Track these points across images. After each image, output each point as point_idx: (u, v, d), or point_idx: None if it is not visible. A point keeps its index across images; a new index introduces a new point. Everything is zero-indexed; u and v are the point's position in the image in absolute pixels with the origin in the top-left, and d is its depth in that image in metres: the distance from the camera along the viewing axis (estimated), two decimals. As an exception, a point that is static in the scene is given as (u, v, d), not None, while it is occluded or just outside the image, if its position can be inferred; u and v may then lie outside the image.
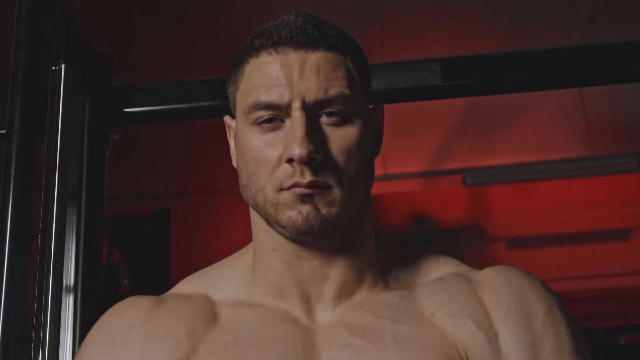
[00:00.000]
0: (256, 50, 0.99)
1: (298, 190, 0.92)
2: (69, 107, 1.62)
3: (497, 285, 0.98)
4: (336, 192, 0.94)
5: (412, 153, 4.44)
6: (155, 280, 4.46)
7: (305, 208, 0.93)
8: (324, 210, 0.93)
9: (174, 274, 4.53)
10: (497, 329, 0.95)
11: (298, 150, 0.91)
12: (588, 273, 5.25)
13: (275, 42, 0.97)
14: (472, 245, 5.13)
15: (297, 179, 0.93)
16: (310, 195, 0.93)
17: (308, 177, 0.92)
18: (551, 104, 4.19)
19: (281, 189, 0.94)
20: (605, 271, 5.27)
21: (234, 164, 1.05)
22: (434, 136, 4.36)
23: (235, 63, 1.02)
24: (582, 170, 4.43)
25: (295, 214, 0.93)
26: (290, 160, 0.93)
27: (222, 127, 1.11)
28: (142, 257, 4.20)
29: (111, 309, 1.04)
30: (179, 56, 4.17)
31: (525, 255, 5.26)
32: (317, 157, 0.93)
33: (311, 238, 0.96)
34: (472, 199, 5.10)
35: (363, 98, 1.00)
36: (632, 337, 5.85)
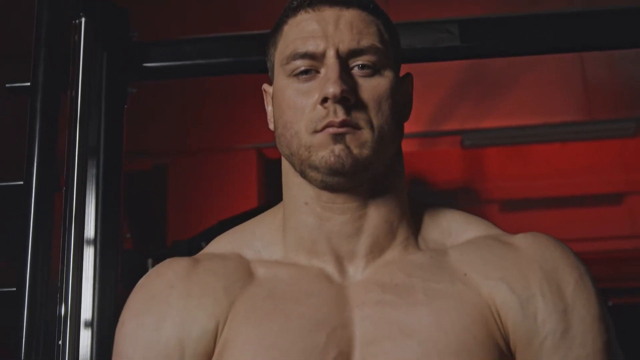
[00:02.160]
0: (294, 11, 1.05)
1: (331, 130, 0.96)
2: (88, 62, 1.62)
3: (531, 252, 1.01)
4: (367, 134, 0.97)
5: (411, 114, 4.45)
6: (153, 235, 4.49)
7: (338, 147, 0.96)
8: (355, 151, 0.96)
9: (170, 229, 4.55)
10: (531, 294, 0.97)
11: (332, 88, 0.96)
12: (579, 236, 5.30)
13: (312, 1, 1.03)
14: (464, 207, 5.18)
15: (330, 118, 0.96)
16: (342, 135, 0.96)
17: (341, 115, 0.96)
18: (551, 67, 4.20)
19: (315, 131, 0.97)
20: (596, 235, 5.33)
21: (271, 127, 1.08)
22: (433, 97, 4.37)
23: (275, 27, 1.08)
24: (579, 134, 4.46)
25: (327, 153, 0.96)
26: (324, 101, 0.97)
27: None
28: (141, 213, 4.21)
29: (150, 271, 1.06)
30: (198, 13, 4.14)
31: (518, 218, 5.31)
32: (349, 98, 0.97)
33: (343, 180, 0.98)
34: (468, 160, 5.12)
35: (392, 57, 1.04)
36: (620, 299, 5.93)
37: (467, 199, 5.24)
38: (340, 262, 1.02)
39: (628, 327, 5.65)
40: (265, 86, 1.13)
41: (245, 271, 1.03)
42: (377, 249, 1.02)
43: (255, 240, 1.07)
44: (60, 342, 1.49)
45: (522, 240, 1.03)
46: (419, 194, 5.31)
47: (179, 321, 0.98)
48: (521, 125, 4.39)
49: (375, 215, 1.02)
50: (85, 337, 1.55)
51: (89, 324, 1.55)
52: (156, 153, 4.72)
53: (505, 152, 5.00)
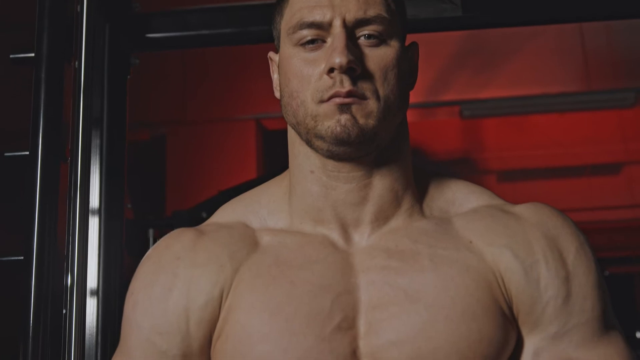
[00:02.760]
0: None
1: (337, 100, 0.96)
2: (91, 33, 1.62)
3: (534, 221, 1.03)
4: (373, 105, 0.98)
5: (410, 84, 4.44)
6: (153, 205, 4.50)
7: (344, 117, 0.96)
8: (361, 121, 0.97)
9: (169, 200, 4.57)
10: (534, 261, 0.99)
11: (338, 59, 0.96)
12: (577, 206, 5.33)
13: None
14: (463, 177, 5.19)
15: (336, 88, 0.97)
16: (348, 105, 0.96)
17: (347, 86, 0.96)
18: (550, 38, 4.20)
19: (321, 101, 0.98)
20: (594, 204, 5.36)
21: (276, 95, 1.08)
22: (433, 68, 4.37)
23: None
24: (578, 104, 4.47)
25: (333, 123, 0.97)
26: (330, 71, 0.97)
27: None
28: (140, 182, 4.23)
29: (159, 242, 1.08)
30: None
31: (516, 188, 5.34)
32: (356, 68, 0.97)
33: (348, 150, 0.99)
34: (467, 131, 5.14)
35: (399, 26, 1.04)
36: (616, 268, 5.99)
37: (465, 169, 5.27)
38: (345, 229, 1.03)
39: (624, 296, 5.71)
40: (271, 54, 1.13)
41: (250, 239, 1.05)
42: (382, 217, 1.03)
43: (260, 208, 1.09)
44: (66, 311, 1.51)
45: (524, 209, 1.05)
46: (419, 164, 5.32)
47: (185, 291, 1.01)
48: (520, 95, 4.40)
49: (381, 183, 1.03)
50: (91, 306, 1.57)
51: (94, 293, 1.57)
52: (155, 123, 4.72)
53: (504, 123, 5.02)
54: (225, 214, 1.10)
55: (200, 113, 4.69)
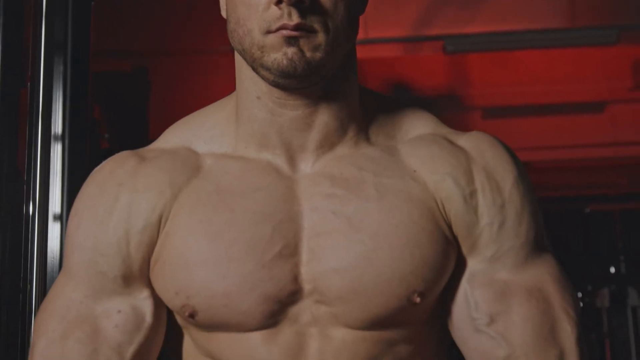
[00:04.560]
0: None
1: (285, 32, 0.94)
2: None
3: (476, 152, 1.04)
4: (321, 38, 0.96)
5: (395, 17, 4.40)
6: (134, 136, 4.49)
7: (291, 50, 0.95)
8: (308, 54, 0.95)
9: (152, 131, 4.55)
10: (474, 190, 1.02)
11: None
12: (561, 143, 5.35)
13: None
14: (448, 114, 5.18)
15: (284, 20, 0.94)
16: (296, 38, 0.95)
17: (295, 19, 0.94)
18: (536, -28, 4.15)
19: (268, 32, 0.95)
20: (577, 142, 5.37)
21: (223, 14, 1.06)
22: (417, 2, 4.32)
23: None
24: (562, 40, 4.44)
25: (280, 55, 0.95)
26: (278, 2, 0.95)
27: None
28: (121, 114, 4.20)
29: (102, 165, 1.08)
30: None
31: (499, 125, 5.34)
32: (304, 0, 0.95)
33: (295, 82, 0.98)
34: (451, 67, 5.11)
35: None
36: (597, 206, 6.04)
37: (450, 105, 5.26)
38: (290, 155, 1.03)
39: (603, 234, 5.77)
40: None
41: (192, 164, 1.04)
42: (327, 144, 1.03)
43: (204, 131, 1.08)
44: (28, 237, 1.52)
45: (467, 140, 1.06)
46: (402, 100, 5.30)
47: (126, 215, 1.01)
48: (504, 31, 4.36)
49: (327, 111, 1.03)
50: (55, 231, 1.58)
51: (57, 218, 1.58)
52: (136, 54, 4.67)
53: (488, 59, 4.99)
54: (170, 138, 1.10)
55: (185, 44, 4.65)
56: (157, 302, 1.03)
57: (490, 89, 5.19)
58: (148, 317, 1.02)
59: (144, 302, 1.02)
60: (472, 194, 1.02)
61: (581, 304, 4.98)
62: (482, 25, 4.35)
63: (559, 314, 1.00)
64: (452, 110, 5.21)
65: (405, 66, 5.03)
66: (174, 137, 1.09)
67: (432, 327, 1.05)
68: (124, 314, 1.01)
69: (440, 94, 5.25)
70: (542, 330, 0.99)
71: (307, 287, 0.98)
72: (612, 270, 5.52)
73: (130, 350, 1.00)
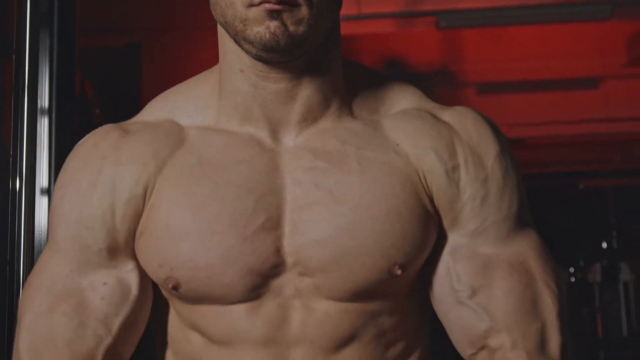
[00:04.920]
0: None
1: (267, 5, 0.93)
2: None
3: (459, 127, 1.05)
4: (304, 11, 0.95)
5: (388, -7, 4.38)
6: (126, 112, 4.47)
7: (273, 24, 0.94)
8: (291, 28, 0.94)
9: (144, 107, 4.52)
10: (456, 164, 1.02)
11: None
12: (555, 119, 5.35)
13: None
14: (442, 90, 5.18)
15: None
16: (279, 11, 0.93)
17: None
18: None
19: (251, 5, 0.94)
20: (571, 118, 5.37)
21: None
22: (410, -24, 4.29)
23: None
24: (556, 16, 4.42)
25: (263, 29, 0.94)
26: None
27: None
28: (113, 90, 4.19)
29: (86, 138, 1.07)
30: None
31: (494, 101, 5.33)
32: None
33: (278, 56, 0.97)
34: (445, 42, 5.09)
35: None
36: (590, 182, 6.06)
37: (443, 81, 5.25)
38: (273, 128, 1.03)
39: (596, 209, 5.78)
40: None
41: (176, 136, 1.04)
42: (310, 117, 1.03)
43: (187, 104, 1.07)
44: (14, 212, 1.52)
45: (451, 115, 1.06)
46: (395, 76, 5.29)
47: (110, 187, 1.01)
48: (497, 6, 4.34)
49: (310, 84, 1.02)
50: (42, 205, 1.58)
51: (45, 192, 1.57)
52: (130, 30, 4.65)
53: (481, 34, 4.97)
54: (153, 110, 1.09)
55: (179, 20, 4.62)
56: (143, 274, 1.03)
57: (484, 65, 5.18)
58: (134, 289, 1.02)
59: (129, 274, 1.02)
60: (455, 168, 1.02)
61: (573, 279, 5.01)
62: (475, 1, 4.33)
63: (540, 287, 1.00)
64: (446, 86, 5.20)
65: (398, 42, 5.01)
66: (157, 110, 1.08)
67: (414, 300, 1.06)
68: (110, 286, 1.01)
69: (434, 70, 5.23)
70: (524, 304, 0.99)
71: (289, 259, 0.98)
72: (604, 245, 5.54)
73: (117, 321, 1.01)
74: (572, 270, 5.04)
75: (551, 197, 5.69)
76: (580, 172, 5.98)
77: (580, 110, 5.38)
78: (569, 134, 5.51)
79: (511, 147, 1.08)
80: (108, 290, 1.01)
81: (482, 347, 1.00)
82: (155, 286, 1.05)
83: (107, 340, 1.01)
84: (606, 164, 5.98)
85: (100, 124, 1.08)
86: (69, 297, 1.01)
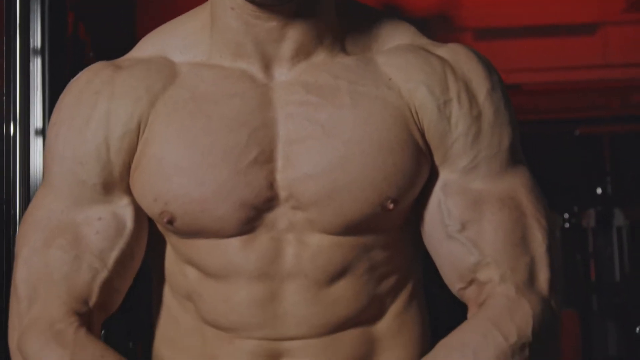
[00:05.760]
0: None
1: None
2: None
3: (453, 62, 1.04)
4: None
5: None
6: (120, 55, 4.44)
7: None
8: None
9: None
10: (448, 99, 1.02)
11: None
12: (552, 65, 5.33)
13: None
14: (439, 35, 5.14)
15: None
16: None
17: None
18: None
19: None
20: (568, 64, 5.36)
21: None
22: None
23: None
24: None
25: None
26: None
27: None
28: (107, 32, 4.15)
29: (79, 75, 1.07)
30: None
31: (491, 46, 5.30)
32: None
33: (269, 1, 0.97)
34: (442, -14, 5.05)
35: None
36: (586, 129, 6.05)
37: (441, 26, 5.21)
38: (265, 64, 1.02)
39: (592, 156, 5.79)
40: None
41: (169, 72, 1.04)
42: (302, 53, 1.03)
43: (179, 40, 1.07)
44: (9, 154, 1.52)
45: (445, 51, 1.06)
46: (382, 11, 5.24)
47: (104, 122, 1.02)
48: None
49: (301, 24, 1.01)
50: (37, 146, 1.58)
51: (39, 132, 1.58)
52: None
53: (479, -22, 4.93)
54: (145, 47, 1.08)
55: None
56: (138, 209, 1.04)
57: (482, 10, 5.15)
58: (129, 224, 1.03)
59: (124, 209, 1.03)
60: (447, 103, 1.02)
61: (567, 225, 5.04)
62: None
63: (531, 222, 1.01)
64: (444, 31, 5.16)
65: (395, -14, 4.96)
66: (149, 47, 1.08)
67: (406, 234, 1.07)
68: (105, 221, 1.02)
69: (431, 15, 5.20)
70: (513, 238, 1.00)
71: (282, 193, 0.99)
72: (599, 191, 5.56)
73: (113, 255, 1.02)
74: (566, 216, 5.06)
75: (547, 144, 5.69)
76: (576, 119, 5.96)
77: (578, 57, 5.36)
78: (565, 80, 5.49)
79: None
80: (103, 225, 1.02)
81: (471, 281, 1.01)
82: (151, 221, 1.06)
83: (103, 274, 1.02)
84: (603, 111, 5.97)
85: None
86: (64, 232, 1.02)
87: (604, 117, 5.96)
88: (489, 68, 1.06)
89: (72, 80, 1.07)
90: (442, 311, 1.41)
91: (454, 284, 1.03)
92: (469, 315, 1.01)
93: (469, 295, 1.01)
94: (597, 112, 6.01)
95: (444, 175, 1.03)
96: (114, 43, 4.20)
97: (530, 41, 5.34)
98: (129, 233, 1.03)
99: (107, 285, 1.02)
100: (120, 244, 1.03)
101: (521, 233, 1.00)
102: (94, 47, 3.40)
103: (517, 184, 1.03)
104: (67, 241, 1.01)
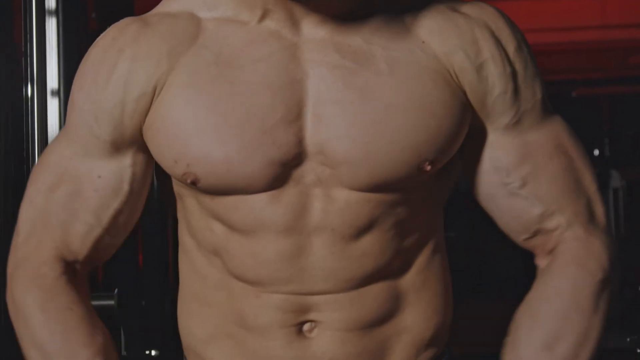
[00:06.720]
0: None
1: None
2: None
3: (481, 21, 1.06)
4: None
5: None
6: (121, 16, 4.39)
7: None
8: None
9: (137, 11, 4.46)
10: (484, 60, 1.04)
11: None
12: (551, 26, 5.32)
13: None
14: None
15: None
16: None
17: None
18: None
19: None
20: (565, 25, 5.34)
21: None
22: None
23: None
24: None
25: None
26: None
27: None
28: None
29: (107, 31, 1.08)
30: None
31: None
32: None
33: None
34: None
35: None
36: (583, 90, 6.06)
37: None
38: (293, 20, 1.03)
39: (589, 117, 5.79)
40: None
41: (194, 30, 1.05)
42: (331, 6, 1.02)
43: None
44: (28, 116, 1.54)
45: (471, 9, 1.07)
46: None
47: (122, 83, 1.03)
48: None
49: None
50: (53, 106, 1.60)
51: (55, 93, 1.59)
52: None
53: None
54: (172, 2, 1.08)
55: None
56: (140, 171, 1.07)
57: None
58: (125, 185, 1.07)
59: (125, 170, 1.06)
60: (483, 64, 1.04)
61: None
62: None
63: (579, 165, 1.07)
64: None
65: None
66: (176, 2, 1.08)
67: (431, 189, 1.09)
68: (104, 180, 1.06)
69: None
70: (569, 183, 1.06)
71: (311, 149, 1.00)
72: (596, 152, 5.59)
73: (108, 214, 1.06)
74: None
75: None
76: (574, 80, 5.97)
77: (576, 18, 5.34)
78: (563, 41, 5.48)
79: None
80: (102, 183, 1.06)
81: (537, 231, 1.07)
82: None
83: (97, 231, 1.07)
84: (600, 72, 5.98)
85: (98, 30, 1.09)
86: (68, 181, 1.06)
87: (602, 78, 5.97)
88: (513, 24, 1.08)
89: (100, 35, 1.09)
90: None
91: (519, 235, 1.09)
92: (537, 260, 1.09)
93: (535, 244, 1.09)
94: (594, 74, 6.03)
95: (491, 135, 1.07)
96: (116, 2, 4.18)
97: (527, 2, 5.32)
98: (125, 194, 1.06)
99: (99, 242, 1.07)
100: (116, 204, 1.06)
101: (574, 177, 1.07)
102: (97, 6, 3.39)
103: (558, 130, 1.08)
104: (69, 191, 1.06)
